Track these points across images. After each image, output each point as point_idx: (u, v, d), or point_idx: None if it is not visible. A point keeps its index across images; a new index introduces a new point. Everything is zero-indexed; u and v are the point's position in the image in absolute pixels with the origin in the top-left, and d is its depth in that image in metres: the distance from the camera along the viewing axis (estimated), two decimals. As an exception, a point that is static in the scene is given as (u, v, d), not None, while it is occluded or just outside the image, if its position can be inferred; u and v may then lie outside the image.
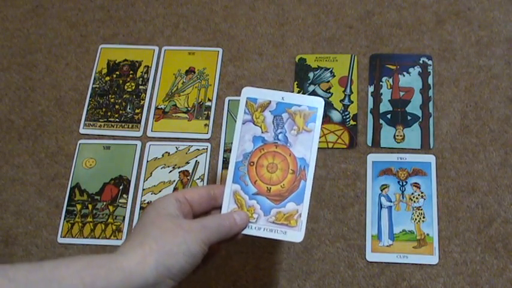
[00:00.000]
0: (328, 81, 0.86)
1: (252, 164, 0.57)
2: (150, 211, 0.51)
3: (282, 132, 0.57)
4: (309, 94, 0.85)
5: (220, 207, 0.56)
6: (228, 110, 0.85)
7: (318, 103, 0.58)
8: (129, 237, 0.49)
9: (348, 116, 0.83)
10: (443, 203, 0.76)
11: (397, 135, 0.81)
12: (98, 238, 0.79)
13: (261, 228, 0.56)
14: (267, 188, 0.57)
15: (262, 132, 0.57)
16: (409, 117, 0.82)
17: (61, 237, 0.79)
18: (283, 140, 0.57)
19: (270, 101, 0.58)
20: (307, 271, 0.74)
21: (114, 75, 0.90)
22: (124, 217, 0.80)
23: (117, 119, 0.87)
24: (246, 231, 0.56)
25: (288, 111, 0.58)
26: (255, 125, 0.58)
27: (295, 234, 0.56)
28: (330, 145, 0.81)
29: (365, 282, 0.73)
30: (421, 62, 0.85)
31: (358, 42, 0.88)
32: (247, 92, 0.58)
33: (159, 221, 0.49)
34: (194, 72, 0.89)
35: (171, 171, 0.82)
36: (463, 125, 0.81)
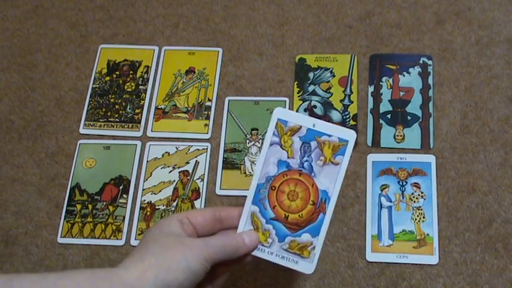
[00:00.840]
0: (328, 81, 0.86)
1: (273, 188, 0.56)
2: (153, 229, 0.52)
3: (308, 160, 0.55)
4: (309, 94, 0.85)
5: (226, 229, 0.56)
6: (228, 110, 0.85)
7: (350, 136, 0.55)
8: (132, 252, 0.50)
9: (348, 116, 0.83)
10: (443, 203, 0.76)
11: (397, 135, 0.81)
12: (98, 238, 0.79)
13: (273, 253, 0.55)
14: (285, 215, 0.56)
15: (288, 157, 0.56)
16: (409, 117, 0.82)
17: (61, 237, 0.79)
18: (308, 169, 0.55)
19: (301, 126, 0.55)
20: (307, 271, 0.74)
21: (114, 75, 0.90)
22: (124, 217, 0.80)
23: (117, 119, 0.86)
24: (258, 254, 0.55)
25: (317, 139, 0.55)
26: (282, 148, 0.56)
27: (307, 266, 0.55)
28: (330, 145, 0.81)
29: (365, 282, 0.73)
30: (421, 62, 0.85)
31: (358, 42, 0.88)
32: (279, 112, 0.56)
33: (161, 239, 0.50)
34: (194, 72, 0.89)
35: (171, 171, 0.82)
36: (463, 125, 0.81)
